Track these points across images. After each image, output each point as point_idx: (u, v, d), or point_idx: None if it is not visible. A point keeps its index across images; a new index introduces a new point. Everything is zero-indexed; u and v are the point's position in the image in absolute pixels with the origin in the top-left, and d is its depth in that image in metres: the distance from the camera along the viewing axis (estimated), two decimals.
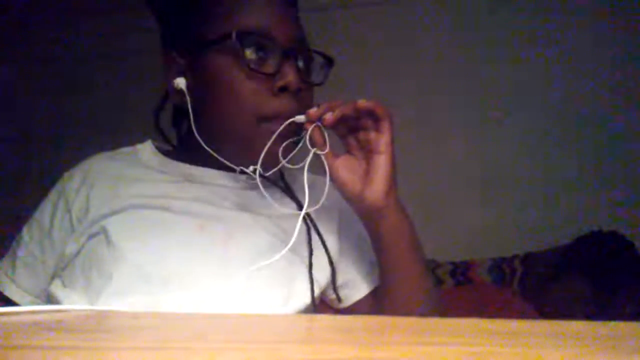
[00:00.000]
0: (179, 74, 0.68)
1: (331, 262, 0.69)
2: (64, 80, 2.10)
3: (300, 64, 0.67)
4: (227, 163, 0.65)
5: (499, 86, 1.79)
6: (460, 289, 1.61)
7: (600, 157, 1.71)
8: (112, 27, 2.01)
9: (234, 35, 0.63)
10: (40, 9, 2.10)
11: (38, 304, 0.67)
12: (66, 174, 0.71)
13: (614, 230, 1.51)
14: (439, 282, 1.60)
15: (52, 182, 0.72)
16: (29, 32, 2.12)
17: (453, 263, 1.66)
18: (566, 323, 0.37)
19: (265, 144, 0.63)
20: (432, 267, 1.62)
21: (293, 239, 0.60)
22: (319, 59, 0.70)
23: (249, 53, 0.64)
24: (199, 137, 0.65)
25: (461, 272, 1.64)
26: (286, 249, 0.59)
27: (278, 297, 0.65)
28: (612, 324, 0.37)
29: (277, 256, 0.59)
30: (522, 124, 1.78)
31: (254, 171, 0.64)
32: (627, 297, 1.40)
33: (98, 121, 2.02)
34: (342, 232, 0.75)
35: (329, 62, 0.70)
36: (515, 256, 1.64)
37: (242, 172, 0.65)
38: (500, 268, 1.63)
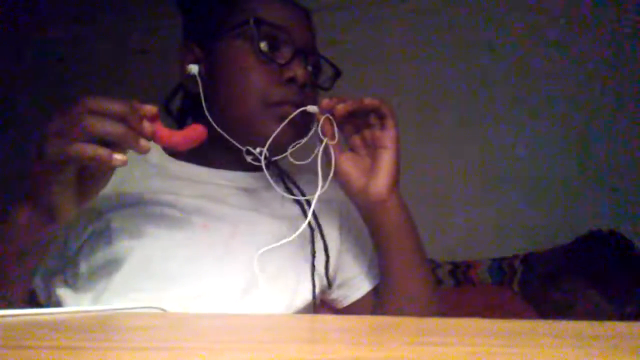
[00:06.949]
0: (194, 62, 0.70)
1: (326, 249, 0.69)
2: (65, 80, 2.10)
3: (309, 67, 0.70)
4: (235, 144, 0.66)
5: (499, 86, 1.79)
6: (460, 289, 1.61)
7: (600, 157, 1.71)
8: (112, 27, 2.01)
9: (251, 21, 0.66)
10: (40, 8, 2.10)
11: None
12: None
13: (612, 229, 1.51)
14: (439, 282, 1.59)
15: None
16: (29, 32, 2.12)
17: (453, 263, 1.66)
18: (566, 323, 0.37)
19: (270, 128, 0.65)
20: (432, 267, 1.62)
21: (303, 227, 0.61)
22: (327, 68, 0.73)
23: (263, 41, 0.67)
24: (211, 120, 0.66)
25: (461, 272, 1.64)
26: (292, 237, 0.60)
27: (283, 296, 0.65)
28: (612, 324, 0.37)
29: (279, 243, 0.60)
30: (522, 124, 1.78)
31: (260, 153, 0.65)
32: (627, 297, 1.40)
33: None
34: (343, 232, 0.75)
35: (337, 72, 0.73)
36: (515, 256, 1.64)
37: (248, 153, 0.66)
38: (500, 268, 1.62)
